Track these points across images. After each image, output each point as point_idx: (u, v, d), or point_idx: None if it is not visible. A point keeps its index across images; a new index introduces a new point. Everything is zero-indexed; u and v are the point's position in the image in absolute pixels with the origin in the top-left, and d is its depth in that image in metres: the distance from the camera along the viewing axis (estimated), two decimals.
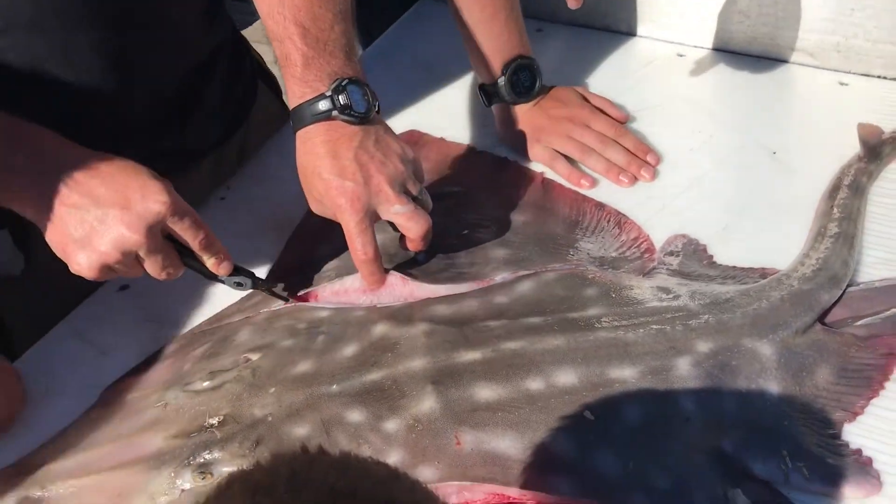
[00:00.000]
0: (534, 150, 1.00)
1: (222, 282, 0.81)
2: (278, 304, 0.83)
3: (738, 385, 0.70)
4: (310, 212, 0.84)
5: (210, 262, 0.78)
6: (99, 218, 0.70)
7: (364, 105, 0.78)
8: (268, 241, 0.95)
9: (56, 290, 0.87)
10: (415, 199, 0.80)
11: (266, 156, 1.09)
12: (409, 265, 0.85)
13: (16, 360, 0.84)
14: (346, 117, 0.77)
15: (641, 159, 0.98)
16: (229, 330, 0.82)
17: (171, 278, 0.78)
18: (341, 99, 0.77)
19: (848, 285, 0.80)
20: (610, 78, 1.14)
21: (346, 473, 0.39)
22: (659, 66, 1.16)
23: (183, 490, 0.66)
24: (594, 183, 0.97)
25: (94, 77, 0.84)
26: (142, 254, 0.73)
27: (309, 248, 0.91)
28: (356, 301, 0.82)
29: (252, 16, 1.02)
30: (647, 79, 1.14)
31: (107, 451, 0.70)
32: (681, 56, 1.17)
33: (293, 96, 0.79)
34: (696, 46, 1.18)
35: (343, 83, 0.77)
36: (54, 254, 0.74)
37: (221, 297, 0.88)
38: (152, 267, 0.75)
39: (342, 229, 0.79)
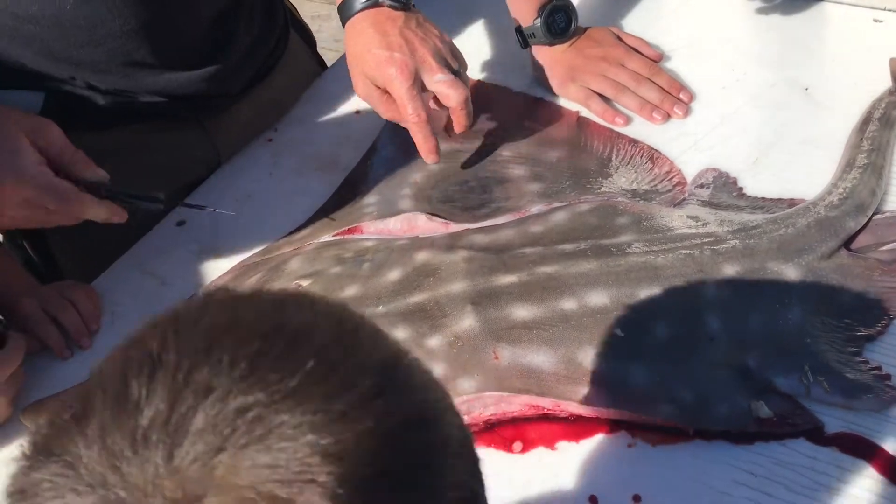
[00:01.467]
0: (569, 89, 1.03)
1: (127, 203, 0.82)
2: (326, 236, 0.88)
3: (763, 305, 0.73)
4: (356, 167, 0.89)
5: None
6: None
7: None
8: (315, 179, 1.00)
9: (112, 233, 0.90)
10: (454, 73, 0.88)
11: (307, 103, 1.13)
12: (448, 206, 0.89)
13: None
14: (390, 3, 0.87)
15: (674, 97, 1.00)
16: (280, 260, 0.87)
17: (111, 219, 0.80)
18: None
19: (874, 213, 0.83)
20: (645, 17, 1.16)
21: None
22: (694, 5, 1.17)
23: None
24: (628, 121, 1.00)
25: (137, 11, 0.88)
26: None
27: (352, 192, 0.96)
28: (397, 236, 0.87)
29: None
30: (682, 17, 1.15)
31: None
32: None
33: None
34: None
35: None
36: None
37: (270, 232, 0.93)
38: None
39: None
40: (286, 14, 1.16)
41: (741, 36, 1.11)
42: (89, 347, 0.84)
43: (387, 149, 0.99)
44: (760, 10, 1.14)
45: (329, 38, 2.26)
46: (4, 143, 0.75)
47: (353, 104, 1.10)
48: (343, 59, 1.00)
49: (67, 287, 0.88)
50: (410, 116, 0.86)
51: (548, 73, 1.05)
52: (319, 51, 1.27)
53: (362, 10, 0.88)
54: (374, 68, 0.87)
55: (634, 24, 1.15)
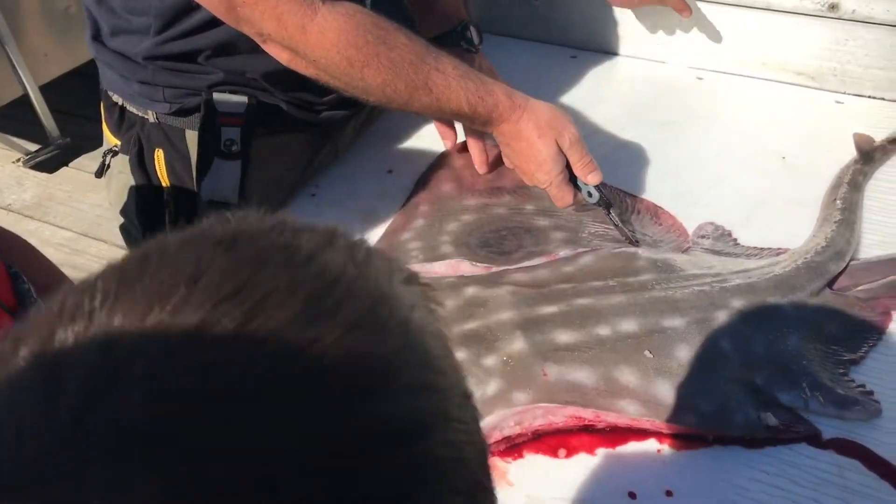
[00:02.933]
0: None
1: None
2: None
3: (765, 333, 0.87)
4: (398, 215, 1.04)
5: None
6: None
7: None
8: (358, 229, 1.12)
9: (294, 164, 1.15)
10: None
11: (345, 163, 1.26)
12: (488, 252, 1.01)
13: None
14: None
15: None
16: None
17: None
18: None
19: (851, 260, 0.98)
20: (640, 97, 1.33)
21: None
22: (681, 88, 1.35)
23: None
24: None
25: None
26: None
27: (397, 237, 1.08)
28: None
29: None
30: (672, 97, 1.32)
31: None
32: (700, 79, 1.36)
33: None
34: (713, 70, 1.36)
35: None
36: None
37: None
38: None
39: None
40: None
41: (724, 112, 1.28)
42: None
43: (423, 203, 1.12)
44: (740, 91, 1.32)
45: None
46: None
47: (385, 164, 1.23)
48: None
49: None
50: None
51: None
52: None
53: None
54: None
55: (631, 101, 1.32)
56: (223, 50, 1.05)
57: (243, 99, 1.07)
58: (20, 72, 2.86)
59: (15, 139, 3.06)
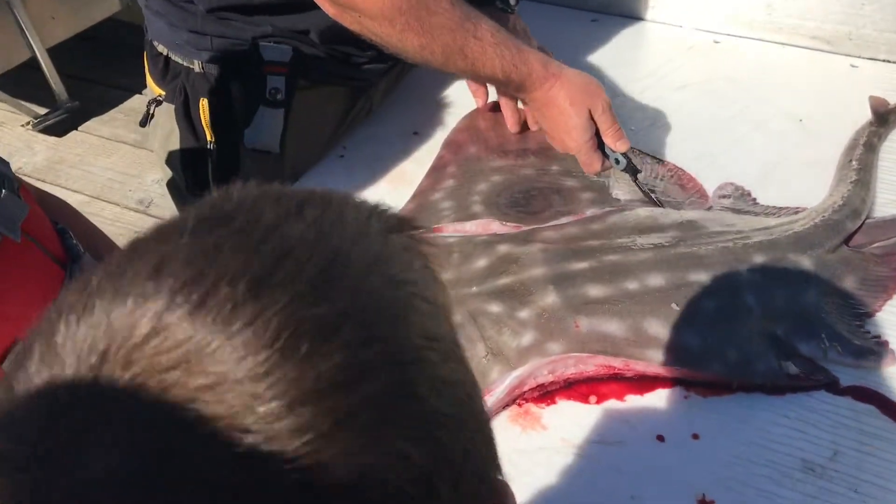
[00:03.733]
0: None
1: None
2: None
3: (786, 286, 0.91)
4: (426, 176, 1.10)
5: None
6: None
7: None
8: (386, 190, 1.15)
9: (288, 170, 1.18)
10: None
11: (371, 125, 1.29)
12: (517, 211, 1.05)
13: None
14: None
15: None
16: None
17: None
18: None
19: (866, 218, 1.02)
20: (658, 60, 1.36)
21: None
22: (699, 51, 1.37)
23: None
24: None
25: None
26: None
27: (427, 197, 1.11)
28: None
29: None
30: (692, 60, 1.35)
31: None
32: (717, 42, 1.39)
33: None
34: (729, 35, 1.39)
35: None
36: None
37: None
38: None
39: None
40: None
41: (741, 76, 1.31)
42: None
43: (451, 164, 1.16)
44: (756, 55, 1.35)
45: None
46: None
47: (411, 126, 1.26)
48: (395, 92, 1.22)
49: None
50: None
51: None
52: None
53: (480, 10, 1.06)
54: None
55: (650, 64, 1.34)
56: (277, 5, 1.09)
57: (288, 48, 1.11)
58: (28, 34, 2.87)
59: (24, 103, 3.07)
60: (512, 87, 1.07)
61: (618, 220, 0.99)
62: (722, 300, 0.89)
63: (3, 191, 0.85)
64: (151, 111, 1.22)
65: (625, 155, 1.07)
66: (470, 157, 1.16)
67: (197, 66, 1.14)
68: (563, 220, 1.01)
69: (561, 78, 1.05)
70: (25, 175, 2.96)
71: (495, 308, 0.89)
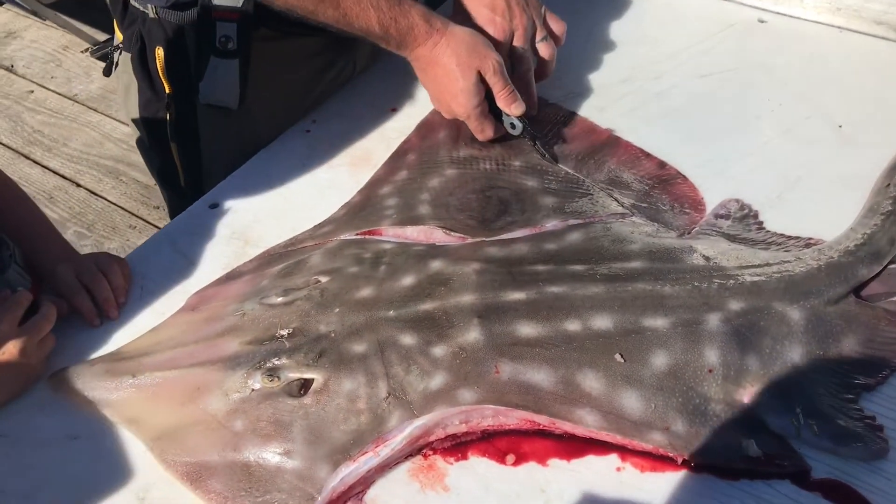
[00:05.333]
0: None
1: None
2: (349, 234, 0.91)
3: (763, 344, 0.75)
4: (385, 162, 0.98)
5: None
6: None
7: None
8: (345, 173, 1.03)
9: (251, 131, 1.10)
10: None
11: (346, 98, 1.16)
12: (467, 217, 0.91)
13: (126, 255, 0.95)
14: None
15: None
16: (303, 253, 0.90)
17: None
18: None
19: (889, 262, 0.83)
20: (689, 40, 1.17)
21: None
22: (739, 30, 1.17)
23: (253, 389, 0.75)
24: None
25: None
26: None
27: (375, 190, 0.98)
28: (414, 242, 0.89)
29: None
30: (726, 42, 1.15)
31: (190, 350, 0.79)
32: (762, 22, 1.18)
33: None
34: (778, 13, 1.18)
35: None
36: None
37: (298, 222, 0.96)
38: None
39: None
40: None
41: (782, 65, 1.11)
42: (116, 318, 0.88)
43: (413, 151, 1.02)
44: (805, 40, 1.14)
45: None
46: None
47: (390, 101, 1.12)
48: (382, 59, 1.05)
49: (102, 258, 0.92)
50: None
51: None
52: None
53: None
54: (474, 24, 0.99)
55: (678, 42, 1.15)
56: None
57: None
58: None
59: (84, 27, 3.06)
60: (392, 44, 0.98)
61: (576, 240, 0.84)
62: (677, 354, 0.74)
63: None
64: (116, 59, 1.13)
65: (521, 119, 0.98)
66: (436, 144, 1.02)
67: (151, 12, 1.04)
68: (516, 233, 0.86)
69: (446, 35, 0.95)
70: (79, 102, 2.96)
71: (408, 339, 0.76)
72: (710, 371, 0.73)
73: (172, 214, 1.19)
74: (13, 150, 2.71)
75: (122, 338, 0.85)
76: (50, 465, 0.75)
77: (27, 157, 2.66)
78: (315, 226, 0.95)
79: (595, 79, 1.12)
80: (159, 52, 1.05)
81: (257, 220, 0.98)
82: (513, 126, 0.99)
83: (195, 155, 1.13)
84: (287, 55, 1.10)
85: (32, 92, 3.04)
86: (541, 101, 1.08)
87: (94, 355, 0.83)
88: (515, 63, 1.02)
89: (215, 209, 1.01)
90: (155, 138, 1.14)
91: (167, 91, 1.08)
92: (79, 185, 2.55)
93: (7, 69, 3.18)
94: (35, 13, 3.00)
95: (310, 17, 0.95)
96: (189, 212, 1.01)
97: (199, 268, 0.94)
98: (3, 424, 0.78)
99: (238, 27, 1.01)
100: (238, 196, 1.01)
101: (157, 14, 1.04)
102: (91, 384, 0.78)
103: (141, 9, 1.05)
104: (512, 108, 0.97)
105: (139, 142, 1.20)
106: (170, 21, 1.04)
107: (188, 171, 1.14)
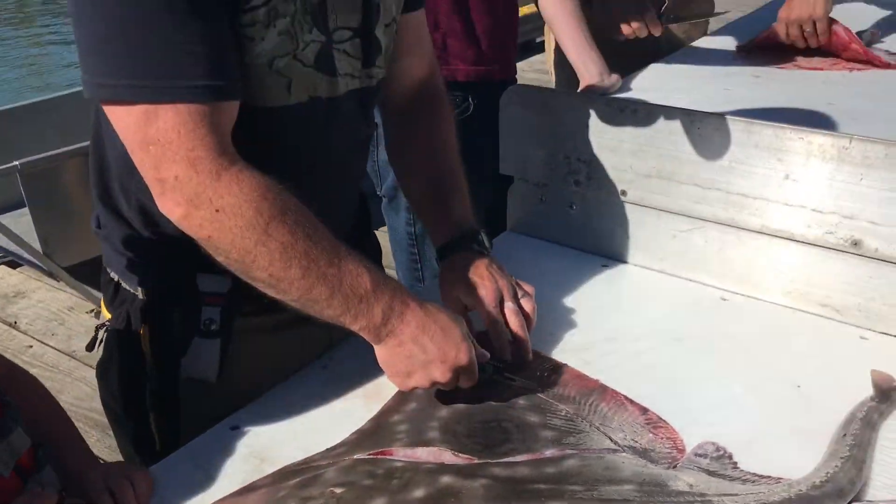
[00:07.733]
0: None
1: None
2: (362, 454, 0.99)
3: None
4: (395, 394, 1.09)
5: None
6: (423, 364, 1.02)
7: None
8: (360, 405, 1.13)
9: (232, 399, 1.14)
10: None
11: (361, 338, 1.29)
12: (474, 442, 1.00)
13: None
14: (478, 248, 1.23)
15: None
16: (318, 469, 0.98)
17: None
18: None
19: (852, 501, 0.92)
20: (661, 311, 1.34)
21: None
22: (705, 306, 1.35)
23: None
24: None
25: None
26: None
27: (386, 418, 1.09)
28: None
29: None
30: (693, 315, 1.33)
31: None
32: (724, 300, 1.37)
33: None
34: (737, 293, 1.37)
35: None
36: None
37: (314, 445, 1.04)
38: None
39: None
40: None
41: (743, 334, 1.27)
42: None
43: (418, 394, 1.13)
44: (762, 316, 1.32)
45: None
46: None
47: None
48: None
49: (128, 467, 0.99)
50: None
51: None
52: None
53: (459, 252, 1.17)
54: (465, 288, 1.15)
55: (654, 315, 1.32)
56: None
57: (226, 279, 1.10)
58: None
59: (95, 291, 3.25)
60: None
61: (573, 465, 0.93)
62: None
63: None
64: (100, 336, 1.23)
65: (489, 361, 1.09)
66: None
67: (140, 294, 1.16)
68: (518, 457, 0.96)
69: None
70: (76, 358, 3.06)
71: None
72: None
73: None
74: None
75: None
76: None
77: None
78: (328, 448, 1.04)
79: (580, 338, 1.27)
80: (144, 331, 1.15)
81: (274, 442, 1.07)
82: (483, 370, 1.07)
83: (174, 422, 1.19)
84: (267, 328, 1.21)
85: (31, 347, 3.16)
86: (533, 352, 1.23)
87: None
88: (509, 318, 1.15)
89: (236, 430, 1.09)
90: (133, 408, 1.21)
91: (149, 365, 1.16)
92: None
93: (10, 325, 3.32)
94: (51, 274, 3.20)
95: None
96: (210, 432, 1.09)
97: (218, 483, 1.00)
98: None
99: (222, 311, 1.14)
100: (258, 420, 1.10)
101: (144, 296, 1.16)
102: None
103: (132, 291, 1.18)
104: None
105: (109, 410, 1.28)
106: (156, 303, 1.16)
107: (165, 437, 1.19)
